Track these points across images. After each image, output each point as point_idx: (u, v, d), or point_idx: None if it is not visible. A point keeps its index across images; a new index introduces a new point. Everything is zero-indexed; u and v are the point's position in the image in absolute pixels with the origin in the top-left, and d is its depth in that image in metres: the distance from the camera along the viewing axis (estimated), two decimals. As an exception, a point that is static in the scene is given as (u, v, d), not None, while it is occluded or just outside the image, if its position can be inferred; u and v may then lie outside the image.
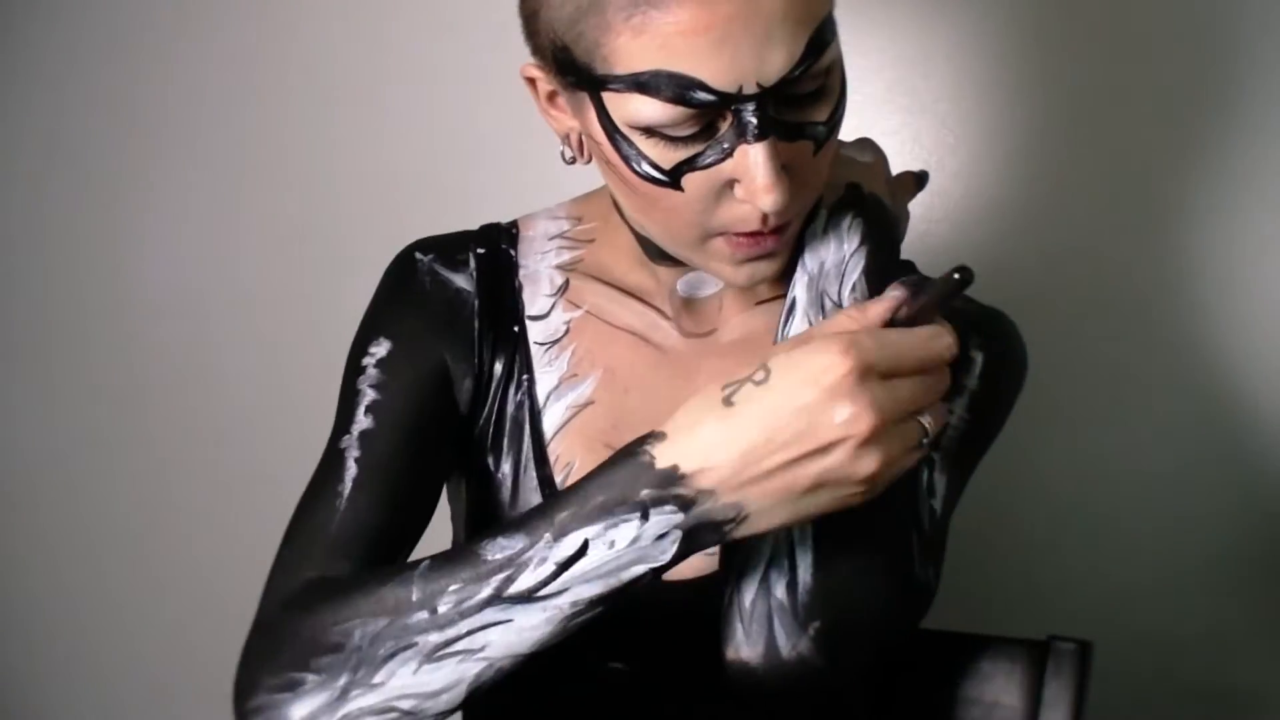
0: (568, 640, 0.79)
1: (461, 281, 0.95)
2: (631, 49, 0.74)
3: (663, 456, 0.70)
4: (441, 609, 0.73)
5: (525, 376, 0.94)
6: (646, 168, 0.79)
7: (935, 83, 1.41)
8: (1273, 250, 1.34)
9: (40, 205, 1.71)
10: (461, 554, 0.74)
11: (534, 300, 0.95)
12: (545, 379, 0.93)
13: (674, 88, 0.74)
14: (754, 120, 0.75)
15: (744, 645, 0.78)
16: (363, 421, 0.89)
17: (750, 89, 0.74)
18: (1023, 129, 1.40)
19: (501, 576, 0.72)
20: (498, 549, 0.73)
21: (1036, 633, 1.04)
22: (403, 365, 0.91)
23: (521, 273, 0.96)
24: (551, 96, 0.84)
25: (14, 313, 1.74)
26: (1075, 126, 1.38)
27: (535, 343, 0.94)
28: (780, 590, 0.78)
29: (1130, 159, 1.37)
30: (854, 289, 0.85)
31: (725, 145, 0.77)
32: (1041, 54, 1.38)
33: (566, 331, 0.94)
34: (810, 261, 0.86)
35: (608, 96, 0.78)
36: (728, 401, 0.70)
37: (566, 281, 0.95)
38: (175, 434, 1.70)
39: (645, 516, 0.70)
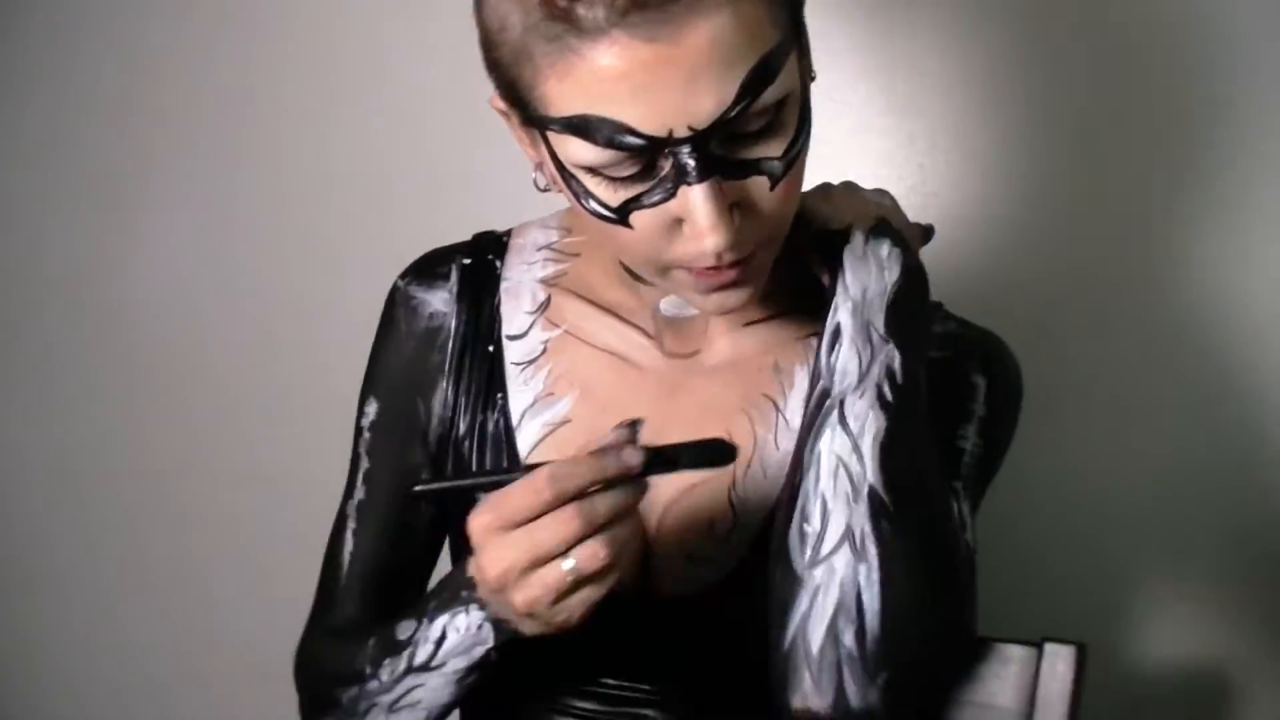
0: (562, 657, 0.82)
1: (438, 303, 0.97)
2: (560, 93, 0.74)
3: (470, 564, 0.81)
4: (384, 677, 0.87)
5: (499, 395, 0.95)
6: (594, 205, 0.79)
7: (925, 86, 1.41)
8: (1268, 257, 1.34)
9: (38, 205, 1.71)
10: (389, 632, 0.87)
11: (513, 318, 0.96)
12: (520, 397, 0.94)
13: (604, 131, 0.74)
14: (691, 162, 0.74)
15: (812, 694, 0.77)
16: (359, 492, 0.98)
17: (681, 132, 0.73)
18: (1017, 134, 1.40)
19: (408, 653, 0.85)
20: (403, 630, 0.86)
21: (1031, 634, 1.04)
22: (388, 431, 0.98)
23: (503, 286, 0.97)
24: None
25: (12, 312, 1.74)
26: (1070, 131, 1.38)
27: (511, 362, 0.95)
28: (849, 638, 0.77)
29: (1123, 163, 1.37)
30: (887, 324, 0.82)
31: (669, 185, 0.76)
32: (1037, 57, 1.38)
33: (544, 351, 0.95)
34: (854, 287, 0.83)
35: (550, 136, 0.78)
36: None
37: (548, 298, 0.96)
38: (173, 435, 1.70)
39: (466, 609, 0.82)
